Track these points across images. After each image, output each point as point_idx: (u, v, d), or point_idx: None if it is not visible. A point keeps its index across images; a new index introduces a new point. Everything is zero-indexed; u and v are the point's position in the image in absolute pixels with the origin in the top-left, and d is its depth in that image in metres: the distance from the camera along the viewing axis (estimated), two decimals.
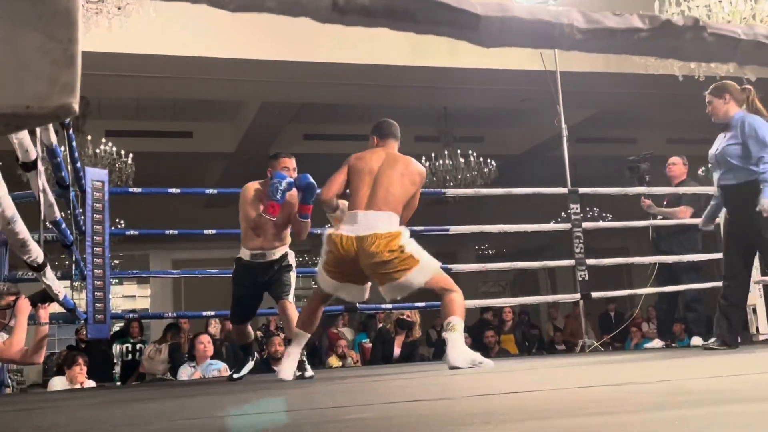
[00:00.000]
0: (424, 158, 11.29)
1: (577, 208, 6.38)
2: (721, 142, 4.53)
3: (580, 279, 6.24)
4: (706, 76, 6.84)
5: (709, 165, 4.75)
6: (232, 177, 12.56)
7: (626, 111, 11.53)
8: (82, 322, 5.58)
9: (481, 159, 11.31)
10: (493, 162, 11.32)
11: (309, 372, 4.00)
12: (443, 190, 8.58)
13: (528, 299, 8.49)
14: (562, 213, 9.04)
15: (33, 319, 4.26)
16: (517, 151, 13.10)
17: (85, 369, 5.82)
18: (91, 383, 5.97)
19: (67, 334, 14.37)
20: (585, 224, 6.49)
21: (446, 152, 11.23)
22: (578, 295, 6.30)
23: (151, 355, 7.52)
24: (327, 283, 3.61)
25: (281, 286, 4.14)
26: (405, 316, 7.30)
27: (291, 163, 4.20)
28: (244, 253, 4.20)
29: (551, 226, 7.44)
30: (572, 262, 6.29)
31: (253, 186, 4.24)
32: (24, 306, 3.98)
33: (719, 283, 6.40)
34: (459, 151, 11.20)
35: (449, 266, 7.56)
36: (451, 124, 11.54)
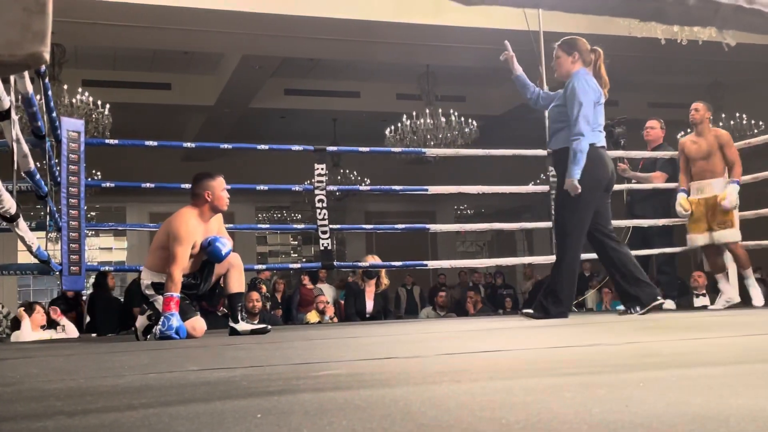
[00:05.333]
0: (405, 116, 11.25)
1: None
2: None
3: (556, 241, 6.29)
4: (688, 40, 6.84)
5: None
6: (211, 131, 12.47)
7: (608, 73, 11.50)
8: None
9: (462, 119, 11.29)
10: (474, 122, 11.30)
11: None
12: (424, 150, 8.57)
13: (505, 260, 8.54)
14: (542, 175, 9.07)
15: None
16: (499, 111, 13.08)
17: (42, 313, 5.94)
18: (66, 323, 6.11)
19: (42, 285, 14.32)
20: None
21: (428, 111, 11.19)
22: (554, 257, 6.35)
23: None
24: None
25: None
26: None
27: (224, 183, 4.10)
28: (181, 278, 3.91)
29: (529, 188, 7.47)
30: (549, 224, 6.34)
31: (193, 216, 4.02)
32: None
33: (687, 247, 6.50)
34: (440, 110, 11.17)
35: (428, 226, 7.60)
36: (433, 82, 11.47)
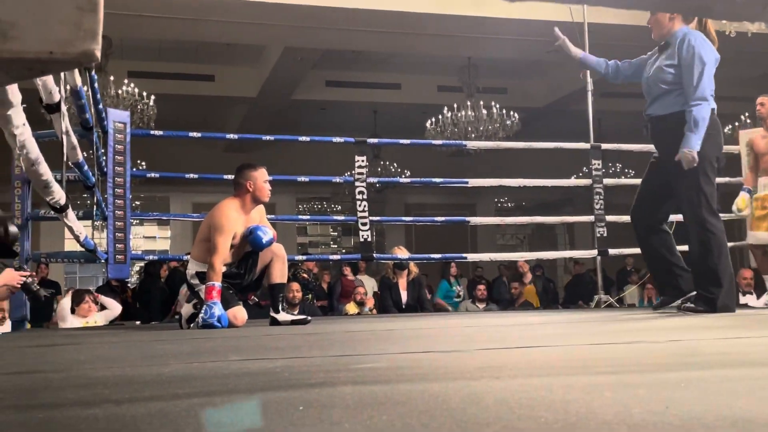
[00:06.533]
0: (446, 109, 11.22)
1: (598, 164, 6.33)
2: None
3: (598, 235, 6.23)
4: (737, 32, 6.70)
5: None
6: (253, 122, 12.58)
7: None
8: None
9: (504, 111, 11.21)
10: (515, 114, 11.22)
11: None
12: (465, 142, 8.54)
13: (545, 254, 8.49)
14: (584, 168, 8.97)
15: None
16: (541, 103, 12.96)
17: (94, 306, 6.02)
18: (105, 300, 6.26)
19: (88, 272, 14.63)
20: (606, 180, 6.45)
21: (469, 103, 11.14)
22: (595, 251, 6.29)
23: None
24: None
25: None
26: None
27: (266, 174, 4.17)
28: (222, 268, 3.98)
29: (572, 182, 7.41)
30: (591, 218, 6.28)
31: (234, 207, 4.10)
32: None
33: (738, 243, 6.39)
34: (482, 103, 11.11)
35: (467, 218, 7.59)
36: (474, 74, 11.41)
